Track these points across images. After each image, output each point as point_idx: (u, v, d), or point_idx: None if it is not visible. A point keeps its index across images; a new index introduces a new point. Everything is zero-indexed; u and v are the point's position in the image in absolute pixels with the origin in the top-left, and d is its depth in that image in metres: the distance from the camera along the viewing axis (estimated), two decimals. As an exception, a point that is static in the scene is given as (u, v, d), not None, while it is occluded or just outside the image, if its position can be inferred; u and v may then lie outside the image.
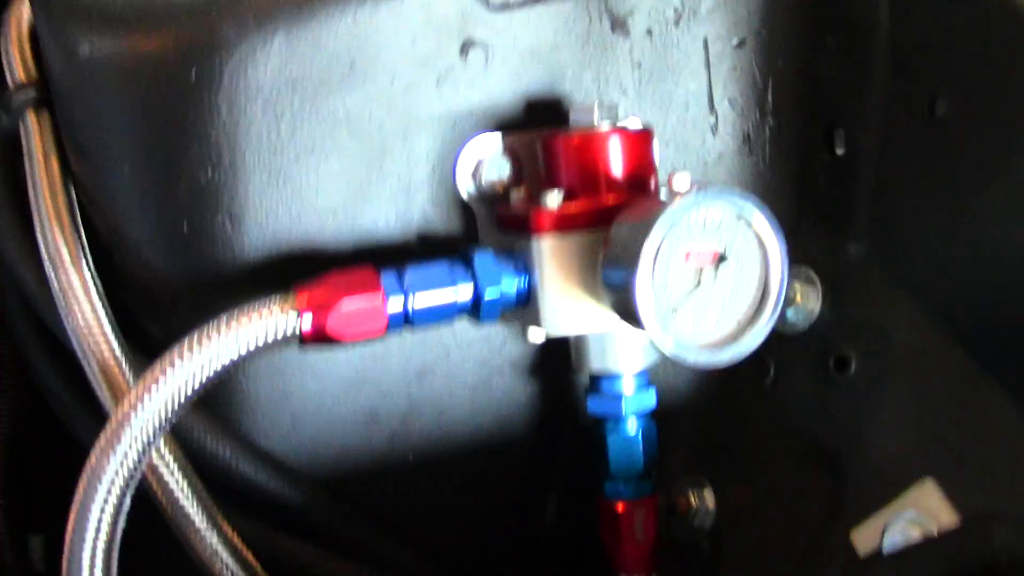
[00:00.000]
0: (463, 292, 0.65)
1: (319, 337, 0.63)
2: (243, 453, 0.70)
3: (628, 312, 0.62)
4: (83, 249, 0.68)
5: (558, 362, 0.74)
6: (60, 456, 0.84)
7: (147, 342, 0.68)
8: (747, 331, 0.63)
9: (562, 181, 0.67)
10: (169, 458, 0.66)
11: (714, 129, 0.74)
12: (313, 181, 0.67)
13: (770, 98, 0.74)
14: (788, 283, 0.63)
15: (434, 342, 0.73)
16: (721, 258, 0.62)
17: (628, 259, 0.61)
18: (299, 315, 0.62)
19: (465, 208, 0.70)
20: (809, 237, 0.69)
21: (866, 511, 0.69)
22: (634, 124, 0.69)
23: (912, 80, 0.67)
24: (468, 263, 0.66)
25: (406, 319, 0.64)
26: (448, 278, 0.65)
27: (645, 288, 0.61)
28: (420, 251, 0.70)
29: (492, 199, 0.70)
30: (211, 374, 0.61)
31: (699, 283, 0.62)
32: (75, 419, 0.72)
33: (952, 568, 0.59)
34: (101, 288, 0.67)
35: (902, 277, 0.71)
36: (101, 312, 0.67)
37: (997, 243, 0.65)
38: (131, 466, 0.61)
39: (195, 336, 0.61)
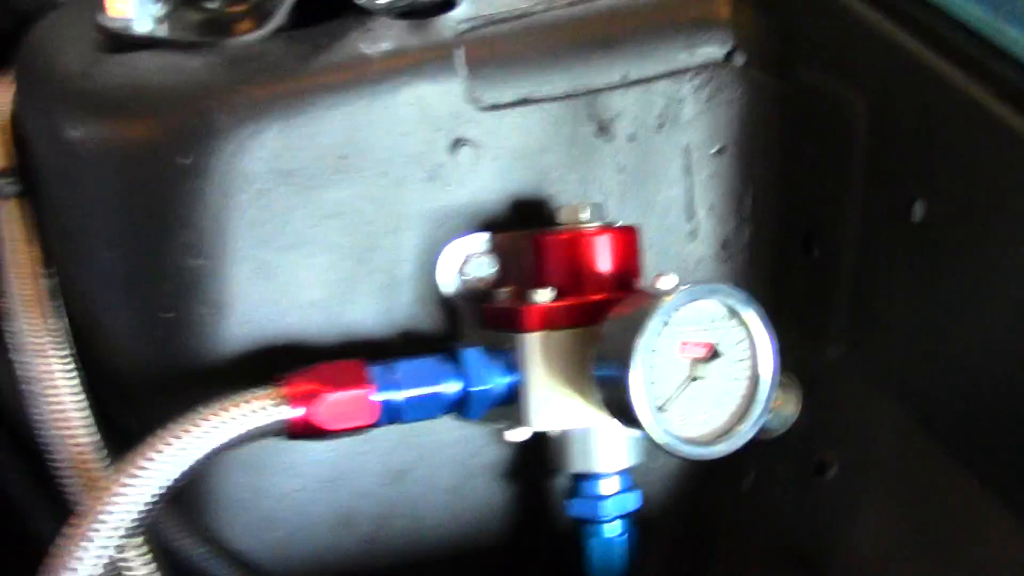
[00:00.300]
0: (451, 388, 0.65)
1: (306, 428, 0.61)
2: (214, 555, 0.67)
3: (621, 408, 0.62)
4: (61, 337, 0.66)
5: (535, 466, 0.73)
6: None
7: (121, 435, 0.66)
8: (738, 425, 0.64)
9: (550, 279, 0.67)
10: (137, 556, 0.64)
11: (694, 234, 0.75)
12: (299, 274, 0.67)
13: (749, 204, 0.75)
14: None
15: (411, 444, 0.71)
16: (714, 353, 0.63)
17: (621, 354, 0.61)
18: (287, 405, 0.61)
19: (450, 305, 0.70)
20: (787, 341, 0.69)
21: (847, 615, 0.69)
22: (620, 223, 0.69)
23: (889, 185, 0.69)
24: (456, 360, 0.66)
25: (393, 412, 0.64)
26: (437, 374, 0.65)
27: (638, 383, 0.61)
28: (404, 347, 0.69)
29: (477, 297, 0.70)
30: (193, 463, 0.59)
31: (691, 378, 0.63)
32: (34, 512, 0.70)
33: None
34: (78, 377, 0.66)
35: (881, 380, 0.71)
36: (77, 401, 0.65)
37: (975, 346, 0.66)
38: (105, 563, 0.58)
39: (177, 425, 0.60)
